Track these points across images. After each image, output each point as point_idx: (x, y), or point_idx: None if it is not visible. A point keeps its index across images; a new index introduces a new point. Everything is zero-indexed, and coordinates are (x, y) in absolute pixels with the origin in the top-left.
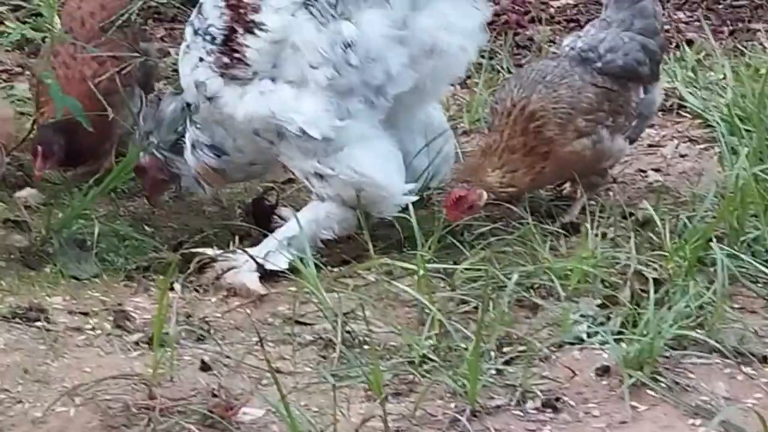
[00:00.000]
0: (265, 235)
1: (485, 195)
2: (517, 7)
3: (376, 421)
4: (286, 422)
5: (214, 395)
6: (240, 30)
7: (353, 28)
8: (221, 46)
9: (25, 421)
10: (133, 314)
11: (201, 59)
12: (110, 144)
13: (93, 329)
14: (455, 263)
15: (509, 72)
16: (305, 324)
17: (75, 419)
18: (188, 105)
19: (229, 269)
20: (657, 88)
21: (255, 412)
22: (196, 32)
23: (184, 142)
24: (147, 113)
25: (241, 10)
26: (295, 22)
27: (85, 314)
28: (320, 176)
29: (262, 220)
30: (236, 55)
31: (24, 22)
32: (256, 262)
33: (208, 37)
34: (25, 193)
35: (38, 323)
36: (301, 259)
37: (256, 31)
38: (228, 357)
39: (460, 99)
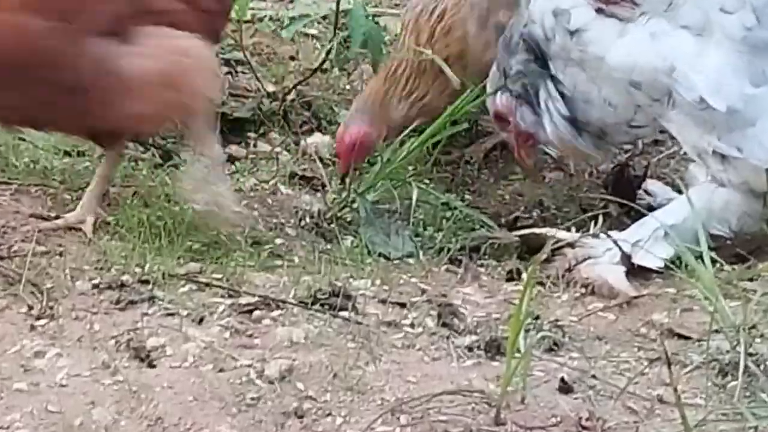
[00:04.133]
0: (632, 216)
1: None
2: None
3: None
4: None
5: (583, 427)
6: None
7: None
8: None
9: None
10: (461, 310)
11: None
12: None
13: (412, 326)
14: None
15: None
16: (688, 338)
17: None
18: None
19: (585, 259)
20: None
21: None
22: None
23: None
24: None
25: None
26: None
27: (402, 305)
28: (721, 156)
29: (624, 195)
30: None
31: None
32: (623, 253)
33: None
34: (316, 139)
35: (344, 313)
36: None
37: None
38: (594, 377)
39: None
